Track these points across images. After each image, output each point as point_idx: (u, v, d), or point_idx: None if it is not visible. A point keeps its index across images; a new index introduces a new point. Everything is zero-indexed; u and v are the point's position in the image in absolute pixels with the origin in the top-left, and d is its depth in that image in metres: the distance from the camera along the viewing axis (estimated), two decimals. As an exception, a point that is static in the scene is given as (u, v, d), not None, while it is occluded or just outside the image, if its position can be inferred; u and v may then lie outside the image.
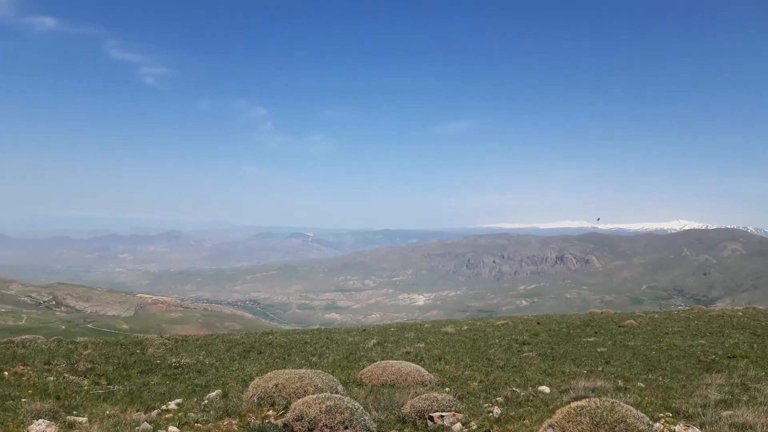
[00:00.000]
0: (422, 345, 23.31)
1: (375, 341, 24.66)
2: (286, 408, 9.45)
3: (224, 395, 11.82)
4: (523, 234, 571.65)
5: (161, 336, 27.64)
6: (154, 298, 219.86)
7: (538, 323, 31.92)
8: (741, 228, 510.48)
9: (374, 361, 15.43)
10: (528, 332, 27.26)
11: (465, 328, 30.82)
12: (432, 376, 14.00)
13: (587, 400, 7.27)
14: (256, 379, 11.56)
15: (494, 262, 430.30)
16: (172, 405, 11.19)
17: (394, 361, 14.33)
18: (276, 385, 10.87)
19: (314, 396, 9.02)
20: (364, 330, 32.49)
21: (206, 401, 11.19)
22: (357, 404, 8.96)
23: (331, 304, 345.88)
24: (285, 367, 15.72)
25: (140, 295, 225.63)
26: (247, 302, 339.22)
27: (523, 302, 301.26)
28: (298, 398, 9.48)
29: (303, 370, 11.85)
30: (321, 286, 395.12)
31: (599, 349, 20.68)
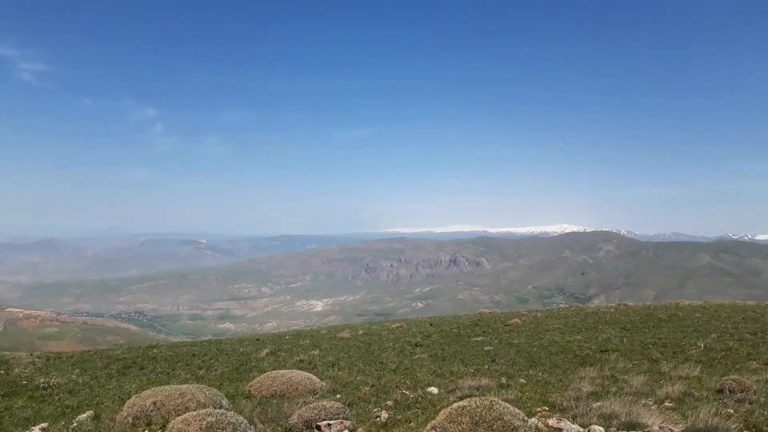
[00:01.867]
0: (317, 352, 23.06)
1: (268, 350, 24.05)
2: (164, 427, 8.87)
3: (96, 417, 10.91)
4: (419, 238, 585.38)
5: (31, 354, 25.21)
6: (26, 312, 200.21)
7: (431, 325, 32.70)
8: (614, 231, 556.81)
9: (266, 372, 14.97)
10: (421, 334, 27.82)
11: (361, 332, 30.92)
12: (324, 384, 13.81)
13: (468, 399, 7.45)
14: (133, 397, 10.76)
15: (392, 266, 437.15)
16: (36, 430, 10.20)
17: (285, 371, 13.98)
18: (154, 403, 10.19)
19: (194, 413, 8.52)
20: (258, 339, 31.61)
21: (75, 424, 10.29)
22: (241, 418, 8.58)
23: (224, 314, 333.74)
24: (168, 383, 14.86)
25: (10, 309, 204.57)
26: (132, 314, 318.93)
27: (419, 304, 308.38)
28: (179, 416, 8.93)
29: (185, 386, 11.21)
30: (214, 294, 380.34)
31: (486, 348, 21.49)
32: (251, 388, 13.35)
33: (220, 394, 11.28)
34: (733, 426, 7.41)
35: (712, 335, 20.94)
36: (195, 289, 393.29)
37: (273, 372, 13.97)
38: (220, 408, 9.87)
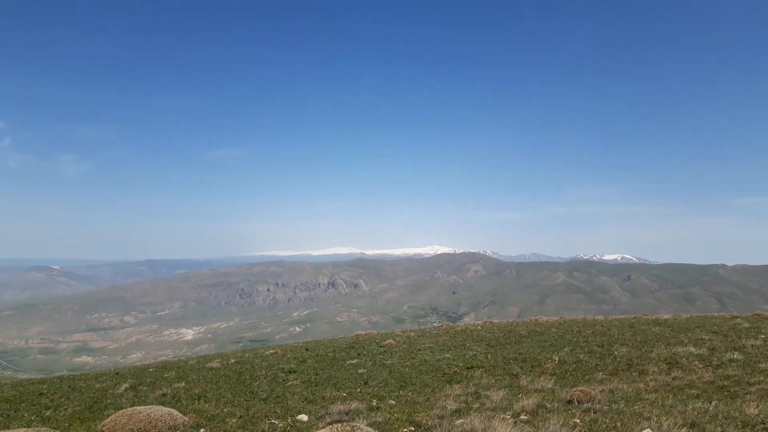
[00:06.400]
0: (182, 384, 21.71)
1: (128, 385, 22.26)
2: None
3: None
4: (296, 261, 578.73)
5: None
6: None
7: (307, 349, 32.22)
8: (481, 252, 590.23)
9: (123, 409, 13.82)
10: (296, 360, 27.28)
11: (232, 361, 29.66)
12: (186, 419, 13.01)
13: (331, 426, 7.40)
14: (-43, 450, 9.43)
15: (268, 290, 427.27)
16: None
17: (144, 407, 12.99)
18: (-17, 454, 9.00)
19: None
20: (117, 373, 29.19)
21: None
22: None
23: (81, 346, 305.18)
24: (8, 427, 13.26)
25: None
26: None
27: (297, 329, 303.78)
28: (12, 466, 7.94)
29: (23, 429, 10.03)
30: (69, 326, 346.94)
31: (360, 371, 21.58)
32: (104, 428, 12.24)
33: (65, 437, 10.21)
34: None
35: (566, 349, 22.70)
36: (47, 320, 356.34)
37: (130, 409, 12.93)
38: (64, 454, 8.94)
